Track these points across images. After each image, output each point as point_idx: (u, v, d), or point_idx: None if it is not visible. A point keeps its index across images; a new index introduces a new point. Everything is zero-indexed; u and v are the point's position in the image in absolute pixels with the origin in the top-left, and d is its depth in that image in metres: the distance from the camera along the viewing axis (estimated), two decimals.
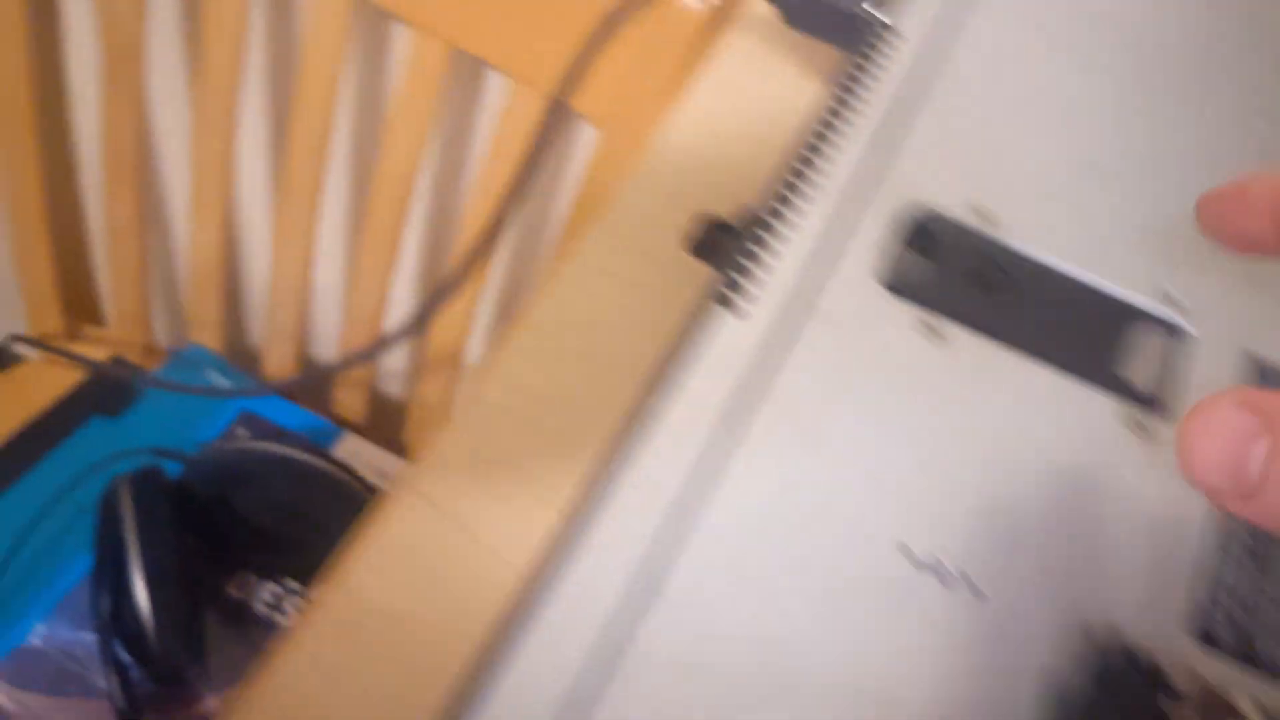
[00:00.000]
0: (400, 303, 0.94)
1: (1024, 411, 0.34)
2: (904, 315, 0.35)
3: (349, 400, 0.90)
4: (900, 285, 0.36)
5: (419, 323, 0.68)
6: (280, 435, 0.84)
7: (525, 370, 0.37)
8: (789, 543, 0.31)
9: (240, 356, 0.96)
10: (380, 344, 0.68)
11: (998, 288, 0.36)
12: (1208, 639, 0.31)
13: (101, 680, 0.70)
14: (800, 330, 0.34)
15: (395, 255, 0.80)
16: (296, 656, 0.30)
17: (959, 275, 0.36)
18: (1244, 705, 0.27)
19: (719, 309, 0.34)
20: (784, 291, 0.35)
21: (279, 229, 0.83)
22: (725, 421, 0.32)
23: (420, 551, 0.33)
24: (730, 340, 0.33)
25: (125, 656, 0.70)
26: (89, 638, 0.72)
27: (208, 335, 0.92)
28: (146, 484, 0.72)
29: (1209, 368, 0.36)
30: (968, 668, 0.29)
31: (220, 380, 0.90)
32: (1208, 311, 0.37)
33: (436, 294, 0.65)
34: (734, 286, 0.34)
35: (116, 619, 0.69)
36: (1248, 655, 0.31)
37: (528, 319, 0.38)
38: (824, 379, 0.33)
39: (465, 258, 0.64)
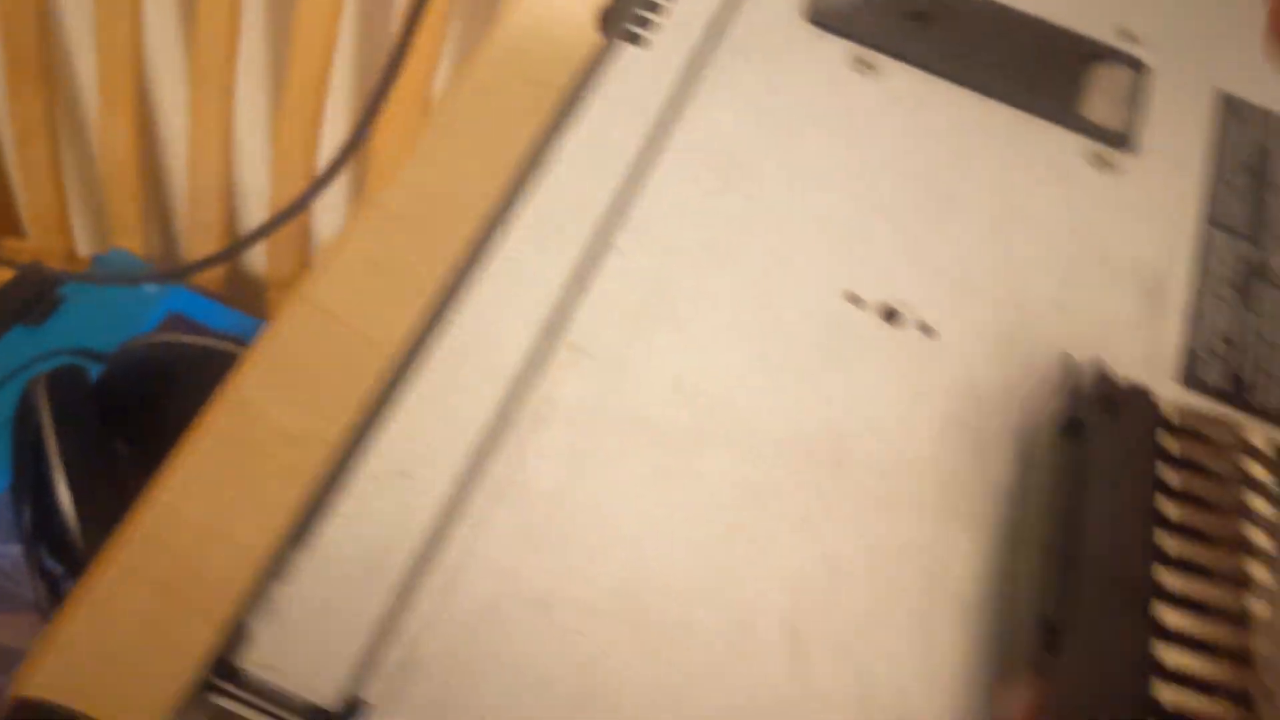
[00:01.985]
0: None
1: (972, 146, 0.31)
2: (833, 49, 0.31)
3: (281, 301, 0.86)
4: (826, 18, 0.32)
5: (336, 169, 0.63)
6: (206, 332, 0.80)
7: (426, 175, 0.33)
8: (711, 282, 0.27)
9: (167, 261, 0.91)
10: (305, 196, 0.63)
11: (935, 20, 0.32)
12: (1193, 381, 0.27)
13: (29, 592, 0.66)
14: (719, 64, 0.30)
15: (317, 136, 0.75)
16: (185, 474, 0.26)
17: (892, 7, 0.32)
18: (1256, 438, 0.23)
19: (627, 47, 0.30)
20: (699, 26, 0.31)
21: (194, 119, 0.78)
22: (635, 159, 0.28)
23: (315, 362, 0.29)
24: (639, 75, 0.29)
25: (53, 565, 0.66)
26: (14, 550, 0.68)
27: (131, 240, 0.87)
28: (65, 383, 0.68)
29: (1170, 101, 0.32)
30: (929, 411, 0.26)
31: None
32: (1165, 44, 0.33)
33: (350, 147, 0.60)
34: (642, 23, 0.30)
35: (40, 527, 0.65)
36: (1234, 395, 0.27)
37: (433, 123, 0.34)
38: (748, 115, 0.29)
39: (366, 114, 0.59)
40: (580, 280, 0.26)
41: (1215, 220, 0.31)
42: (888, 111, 0.31)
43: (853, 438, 0.25)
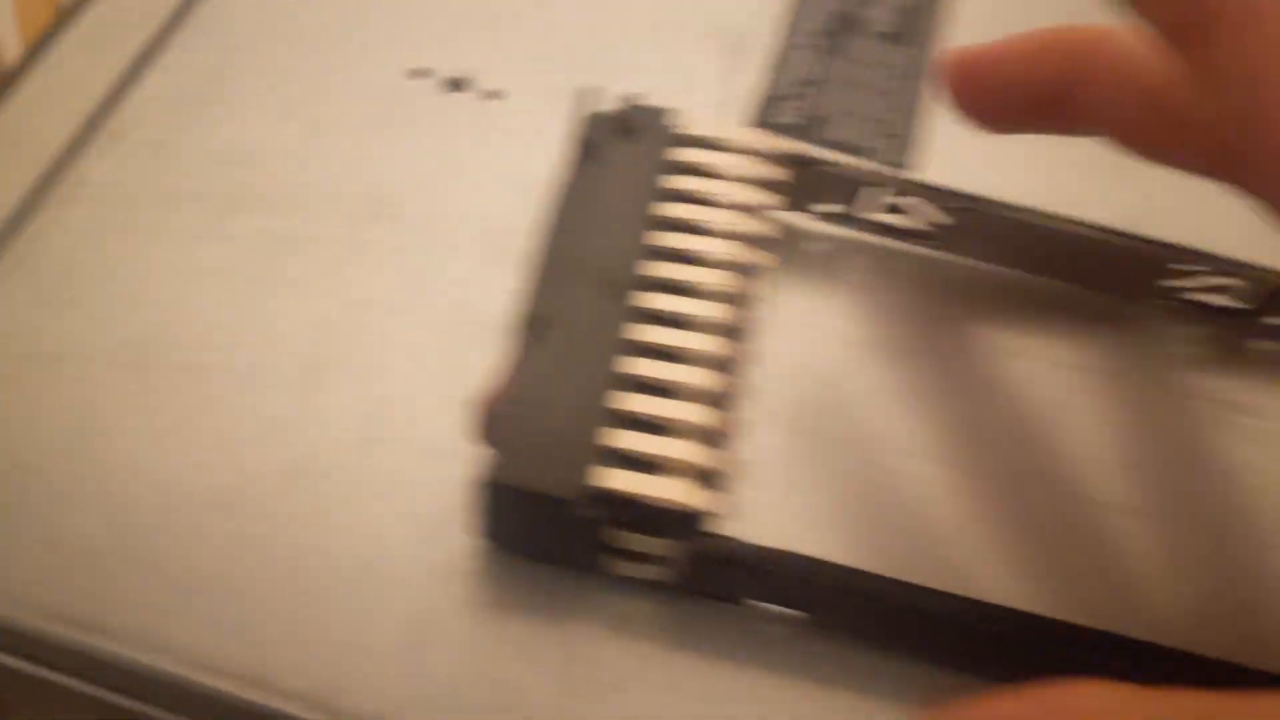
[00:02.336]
0: None
1: None
2: None
3: None
4: None
5: None
6: None
7: None
8: (270, 65, 0.27)
9: None
10: None
11: None
12: (767, 122, 0.28)
13: None
14: None
15: None
16: None
17: None
18: (760, 141, 0.24)
19: None
20: None
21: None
22: None
23: None
24: None
25: None
26: None
27: None
28: None
29: None
30: (484, 166, 0.26)
31: None
32: None
33: None
34: None
35: None
36: (806, 131, 0.28)
37: None
38: None
39: None
40: (134, 75, 0.26)
41: None
42: None
43: (400, 195, 0.25)
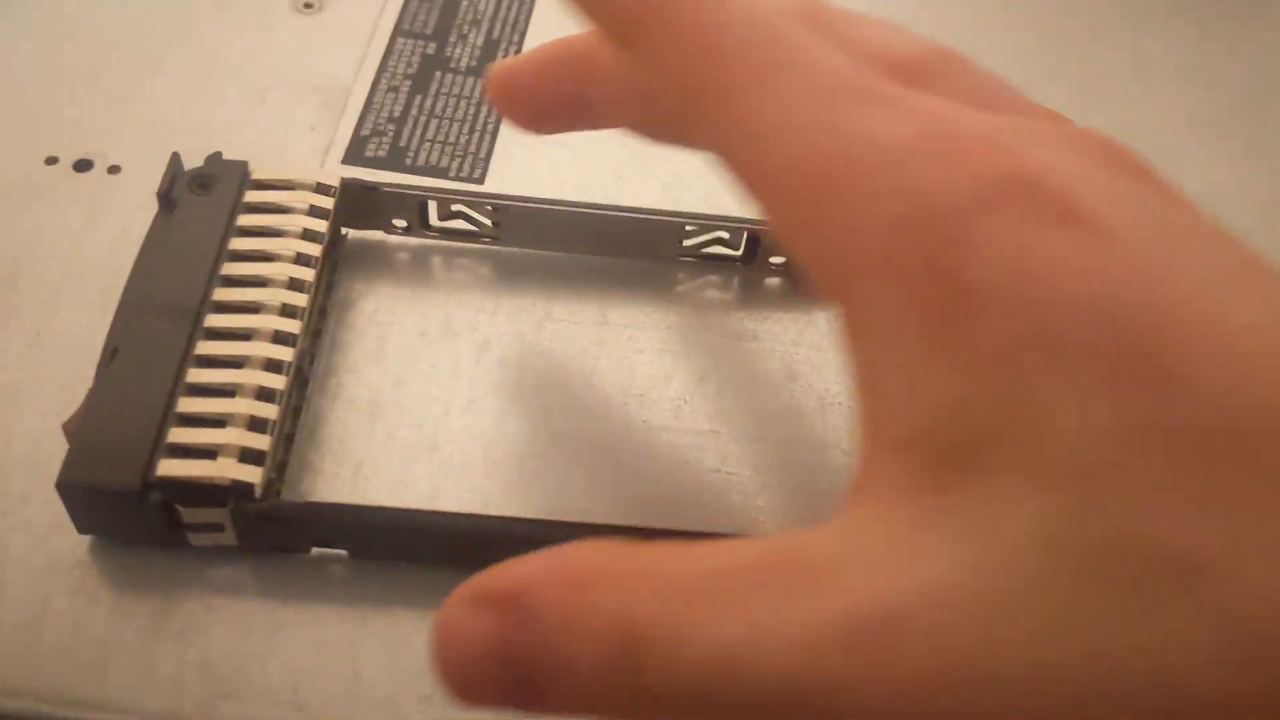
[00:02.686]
0: None
1: (190, 7, 0.35)
2: None
3: None
4: None
5: None
6: None
7: None
8: None
9: None
10: None
11: None
12: (356, 159, 0.33)
13: None
14: None
15: None
16: None
17: None
18: (326, 176, 0.28)
19: None
20: None
21: None
22: None
23: None
24: None
25: None
26: None
27: None
28: None
29: None
30: (104, 230, 0.30)
31: None
32: None
33: None
34: None
35: None
36: (391, 161, 0.33)
37: None
38: None
39: None
40: None
41: (403, 31, 0.36)
42: None
43: (28, 263, 0.29)
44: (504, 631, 0.17)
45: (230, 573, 0.25)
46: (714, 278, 0.31)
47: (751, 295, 0.30)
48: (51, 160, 0.32)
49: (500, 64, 0.25)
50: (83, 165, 0.32)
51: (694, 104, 0.18)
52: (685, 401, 0.28)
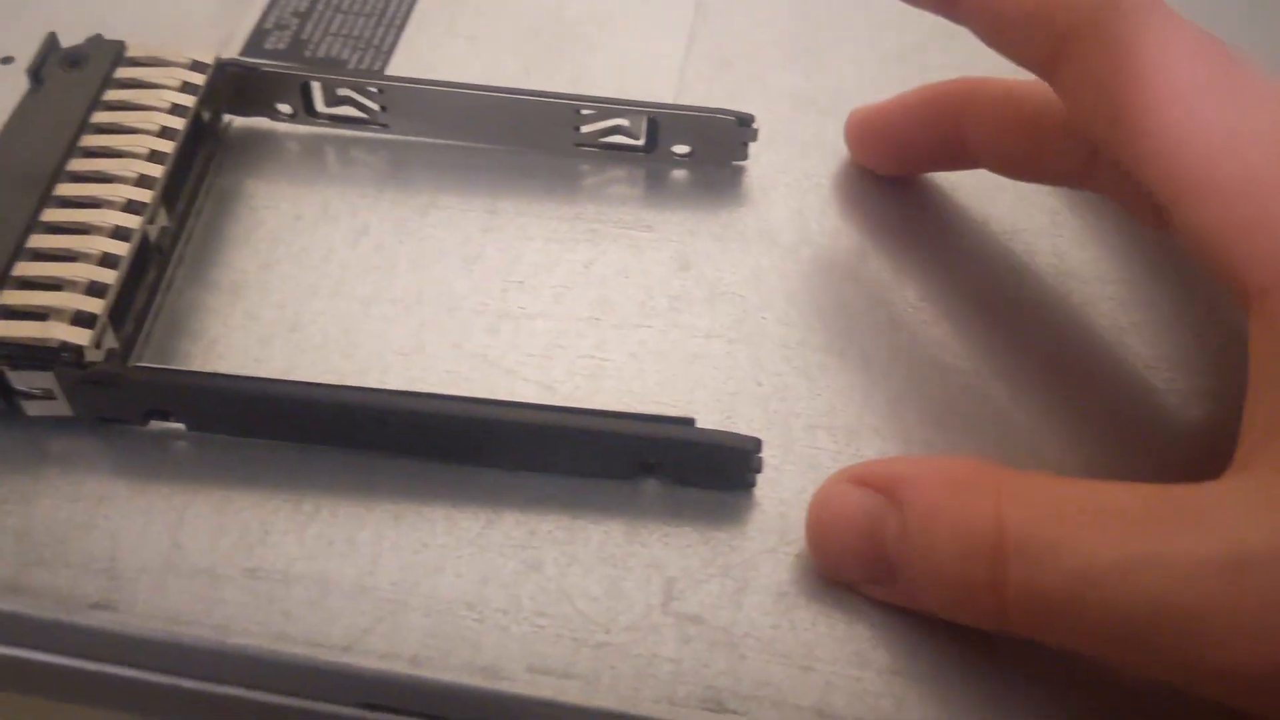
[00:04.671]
0: None
1: None
2: None
3: None
4: None
5: None
6: None
7: None
8: None
9: None
10: None
11: None
12: (255, 51, 0.31)
13: None
14: None
15: None
16: None
17: None
18: (201, 53, 0.27)
19: None
20: None
21: None
22: None
23: None
24: None
25: None
26: None
27: None
28: None
29: None
30: None
31: None
32: None
33: None
34: None
35: None
36: (291, 53, 0.31)
37: None
38: None
39: None
40: None
41: None
42: None
43: None
44: (876, 510, 0.20)
45: (65, 444, 0.23)
46: (617, 171, 0.29)
47: (653, 187, 0.29)
48: None
49: (861, 109, 0.28)
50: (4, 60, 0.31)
51: (1124, 118, 0.20)
52: (567, 289, 0.27)
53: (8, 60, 0.31)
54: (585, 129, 0.29)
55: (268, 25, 0.32)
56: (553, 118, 0.28)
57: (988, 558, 0.19)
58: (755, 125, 0.28)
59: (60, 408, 0.23)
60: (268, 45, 0.32)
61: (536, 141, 0.29)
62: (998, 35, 0.22)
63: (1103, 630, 0.18)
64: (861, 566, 0.21)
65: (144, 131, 0.26)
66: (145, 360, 0.25)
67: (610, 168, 0.29)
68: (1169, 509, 0.18)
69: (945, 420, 0.24)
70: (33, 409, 0.23)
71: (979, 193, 0.29)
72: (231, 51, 0.31)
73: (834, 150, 0.30)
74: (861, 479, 0.21)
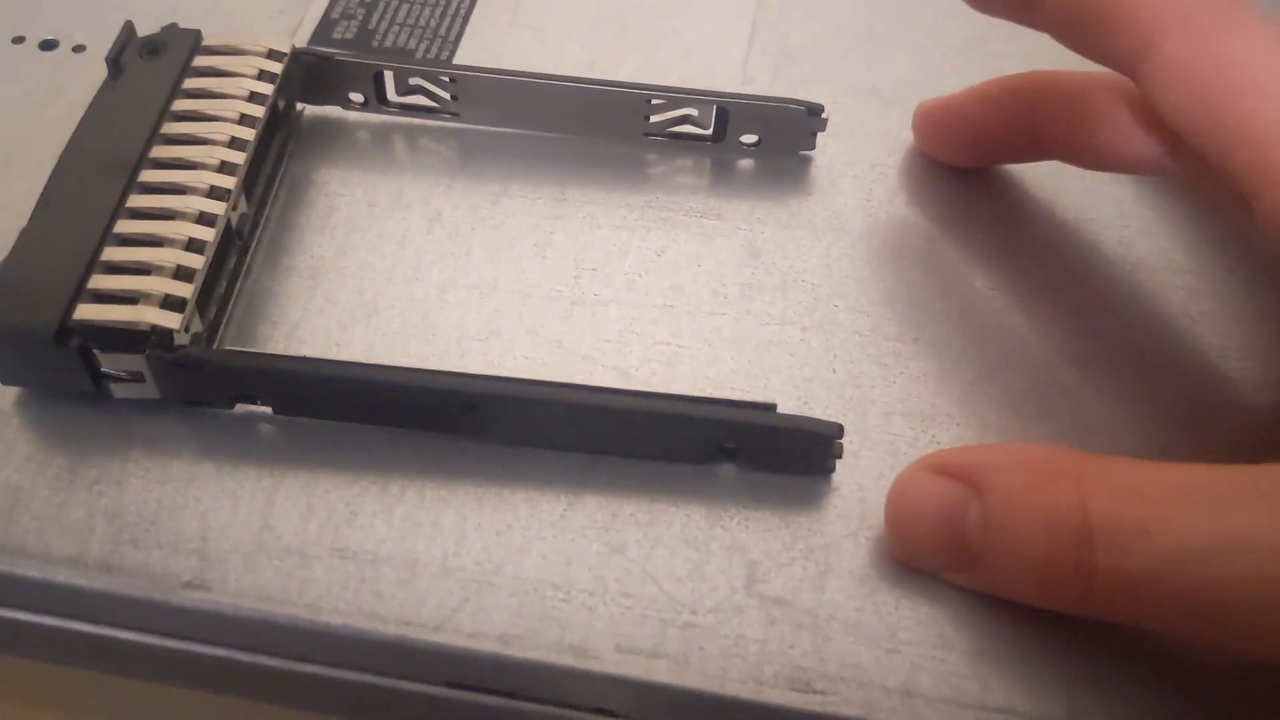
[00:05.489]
0: None
1: None
2: None
3: None
4: None
5: None
6: None
7: None
8: None
9: None
10: None
11: None
12: (323, 40, 0.32)
13: None
14: None
15: None
16: None
17: None
18: (277, 42, 0.28)
19: None
20: None
21: None
22: None
23: None
24: None
25: None
26: None
27: None
28: None
29: None
30: (65, 109, 0.29)
31: None
32: None
33: None
34: None
35: None
36: (359, 43, 0.32)
37: None
38: None
39: None
40: None
41: None
42: None
43: None
44: (957, 497, 0.20)
45: (153, 426, 0.24)
46: (684, 160, 0.29)
47: (721, 176, 0.29)
48: (18, 40, 0.31)
49: (930, 102, 0.28)
50: (48, 45, 0.31)
51: (1213, 109, 0.20)
52: (640, 276, 0.27)
53: (79, 49, 0.31)
54: (654, 118, 0.29)
55: (335, 15, 0.32)
56: (622, 107, 0.29)
57: (1073, 543, 0.19)
58: (825, 115, 0.28)
59: (148, 390, 0.24)
60: (335, 34, 0.32)
61: (605, 130, 0.29)
62: (1079, 36, 0.22)
63: (1195, 611, 0.18)
64: (943, 554, 0.21)
65: (224, 119, 0.26)
66: (228, 344, 0.25)
67: (678, 156, 0.29)
68: (1255, 489, 0.18)
69: (1020, 407, 0.24)
70: (120, 391, 0.24)
71: (1045, 182, 0.29)
72: (300, 40, 0.32)
73: (899, 140, 0.30)
74: (940, 467, 0.21)
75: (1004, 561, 0.20)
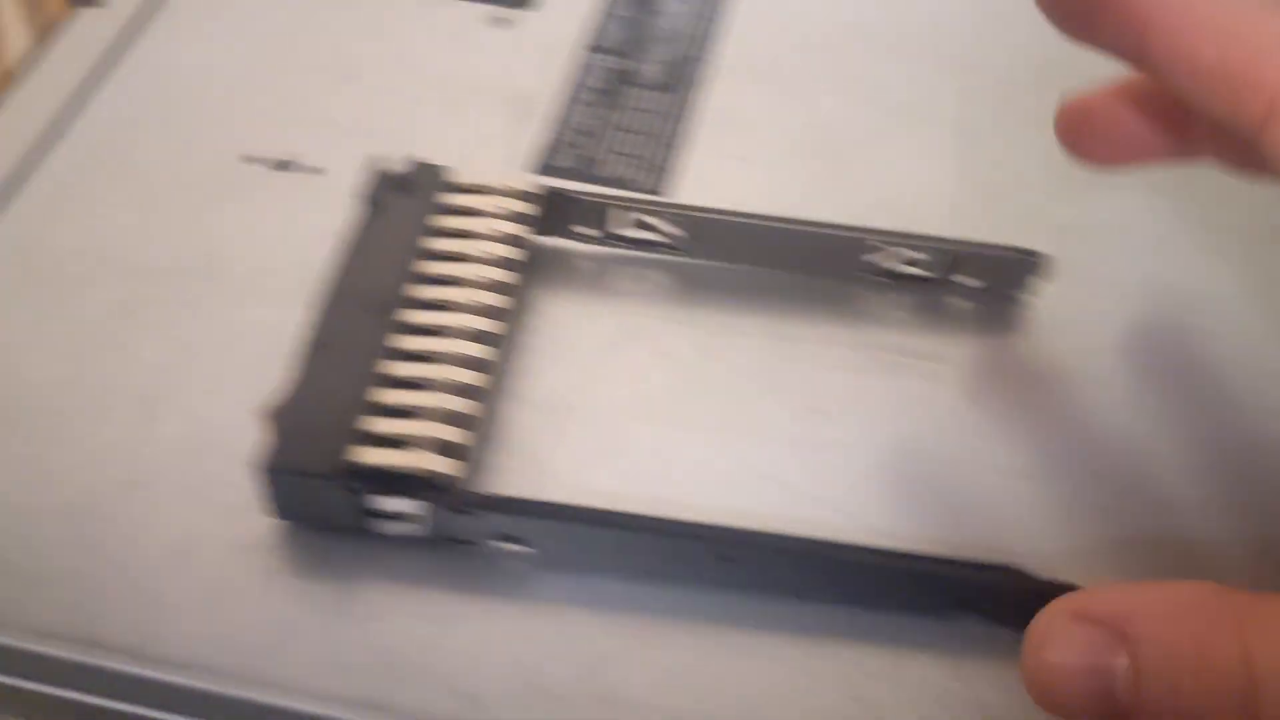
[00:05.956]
0: None
1: (381, 22, 0.36)
2: None
3: None
4: None
5: None
6: None
7: None
8: (120, 156, 0.32)
9: None
10: None
11: None
12: (547, 169, 0.33)
13: None
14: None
15: None
16: None
17: None
18: (522, 182, 0.29)
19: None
20: None
21: None
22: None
23: None
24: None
25: None
26: None
27: None
28: None
29: None
30: (305, 227, 0.31)
31: None
32: None
33: None
34: None
35: None
36: (582, 172, 0.33)
37: None
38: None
39: None
40: (11, 187, 0.32)
41: (596, 47, 0.37)
42: None
43: (228, 257, 0.30)
44: (1103, 649, 0.19)
45: (417, 563, 0.25)
46: (902, 299, 0.30)
47: (941, 318, 0.30)
48: (253, 159, 0.33)
49: (1074, 99, 0.25)
50: (282, 165, 0.33)
51: (1227, 90, 0.19)
52: (867, 418, 0.28)
53: (314, 170, 0.33)
54: (873, 259, 0.30)
55: (555, 143, 0.34)
56: (843, 247, 0.29)
57: (1238, 700, 0.17)
58: (1044, 262, 0.29)
59: (415, 529, 0.25)
60: (556, 164, 0.33)
61: (824, 268, 0.30)
62: (1196, 91, 0.20)
63: None
64: (1092, 708, 0.19)
65: (480, 260, 0.27)
66: (480, 481, 0.26)
67: (897, 296, 0.30)
68: None
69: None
70: (388, 529, 0.25)
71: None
72: (523, 168, 0.33)
73: (1120, 285, 0.30)
74: (1084, 613, 0.20)
75: (1161, 716, 0.18)
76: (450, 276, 0.27)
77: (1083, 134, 0.25)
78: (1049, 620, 0.20)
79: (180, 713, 0.24)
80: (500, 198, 0.29)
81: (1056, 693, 0.20)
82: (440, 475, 0.23)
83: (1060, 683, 0.19)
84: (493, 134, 0.34)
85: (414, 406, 0.24)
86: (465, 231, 0.28)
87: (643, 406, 0.28)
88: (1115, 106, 0.25)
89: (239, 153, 0.33)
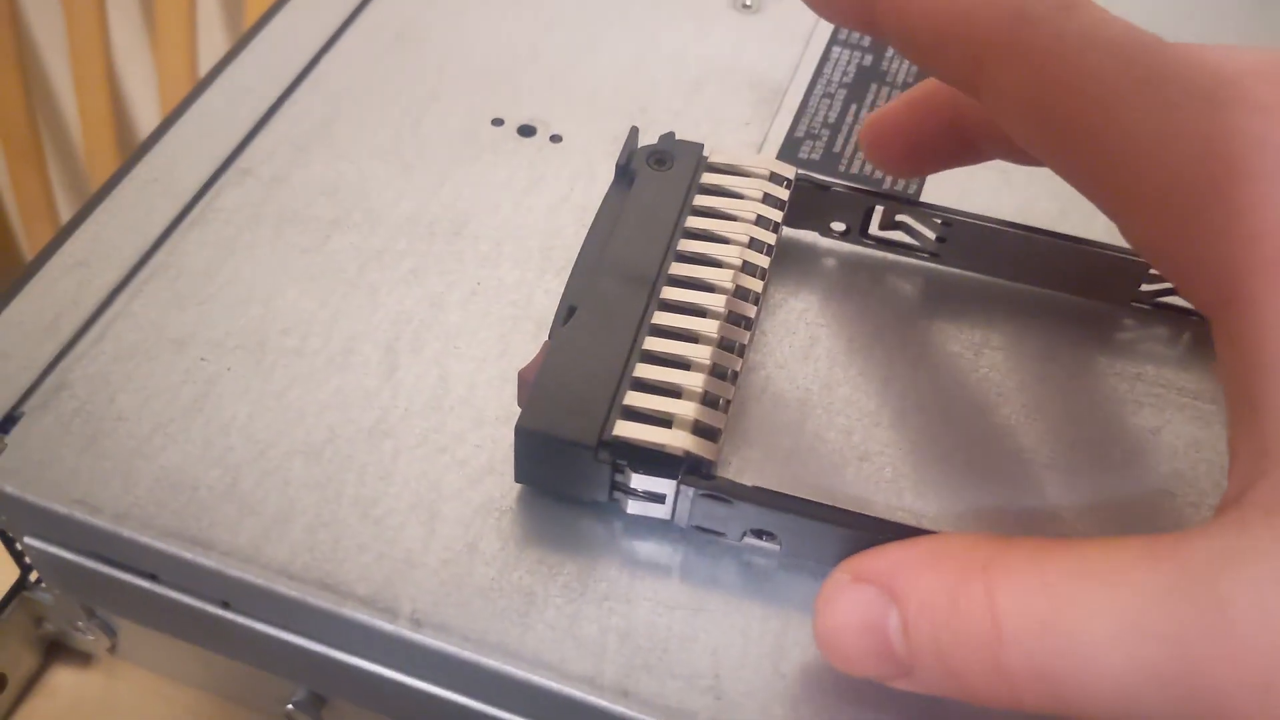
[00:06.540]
0: None
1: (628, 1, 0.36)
2: None
3: None
4: None
5: None
6: None
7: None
8: (372, 116, 0.32)
9: None
10: None
11: None
12: (790, 158, 0.32)
13: None
14: None
15: None
16: None
17: None
18: (781, 168, 0.28)
19: None
20: None
21: (163, 92, 0.82)
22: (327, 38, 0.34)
23: None
24: None
25: None
26: None
27: None
28: None
29: None
30: (546, 195, 0.31)
31: None
32: None
33: None
34: None
35: None
36: (825, 165, 0.32)
37: None
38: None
39: None
40: (260, 125, 0.32)
41: (840, 40, 0.36)
42: None
43: (473, 216, 0.30)
44: (876, 607, 0.19)
45: (658, 546, 0.24)
46: (1170, 332, 0.28)
47: (1212, 355, 0.28)
48: (498, 122, 0.33)
49: (873, 114, 0.27)
50: (526, 130, 0.32)
51: (1052, 132, 0.19)
52: (1135, 455, 0.26)
53: (556, 138, 0.32)
54: (1145, 288, 0.28)
55: (799, 134, 0.33)
56: (1114, 271, 0.28)
57: (988, 646, 0.18)
58: None
59: (661, 511, 0.24)
60: (802, 154, 0.32)
61: (1087, 290, 0.29)
62: (916, 53, 0.21)
63: (1111, 704, 0.17)
64: (876, 665, 0.20)
65: (737, 242, 0.26)
66: (726, 470, 0.25)
67: (1168, 328, 0.28)
68: (1154, 571, 0.17)
69: None
70: (633, 508, 0.24)
71: None
72: (767, 156, 0.32)
73: None
74: (861, 573, 0.20)
75: (932, 670, 0.19)
76: (711, 257, 0.26)
77: (878, 145, 0.26)
78: (833, 583, 0.20)
79: (408, 672, 0.24)
80: (759, 181, 0.28)
81: (843, 653, 0.20)
82: (703, 460, 0.23)
83: (844, 643, 0.20)
84: (735, 118, 0.33)
85: (677, 385, 0.24)
86: (725, 213, 0.27)
87: (889, 413, 0.26)
88: (905, 116, 0.26)
89: (486, 116, 0.33)
